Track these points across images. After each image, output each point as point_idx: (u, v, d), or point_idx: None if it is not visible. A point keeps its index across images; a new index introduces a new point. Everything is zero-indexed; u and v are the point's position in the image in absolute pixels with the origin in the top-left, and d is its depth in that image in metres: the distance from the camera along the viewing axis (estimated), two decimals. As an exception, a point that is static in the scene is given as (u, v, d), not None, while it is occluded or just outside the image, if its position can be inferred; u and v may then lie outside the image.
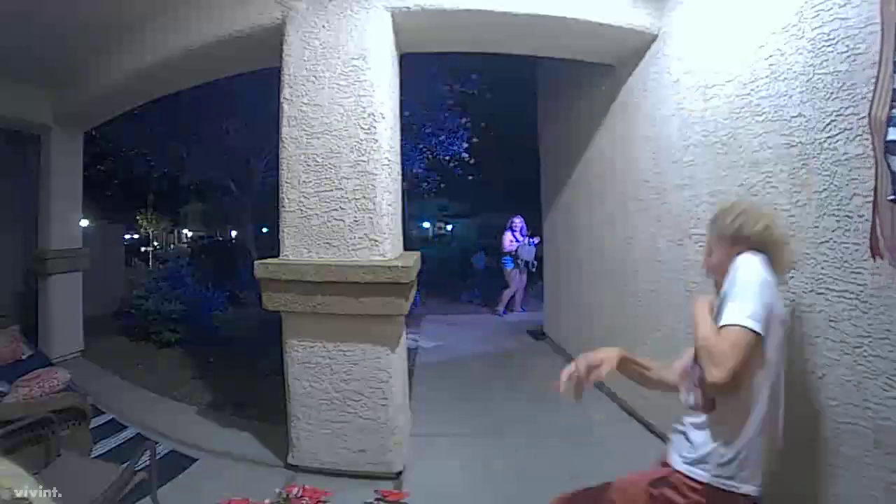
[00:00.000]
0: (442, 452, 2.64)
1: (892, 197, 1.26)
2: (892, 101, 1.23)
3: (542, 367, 4.20)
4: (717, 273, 1.34)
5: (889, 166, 1.24)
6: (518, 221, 6.48)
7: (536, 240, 6.23)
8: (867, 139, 1.41)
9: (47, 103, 4.37)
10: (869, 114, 1.32)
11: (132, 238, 17.50)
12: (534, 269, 6.43)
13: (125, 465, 1.75)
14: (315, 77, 2.48)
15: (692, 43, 2.47)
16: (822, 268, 1.74)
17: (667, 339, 2.67)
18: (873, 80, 1.34)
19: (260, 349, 4.39)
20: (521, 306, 6.80)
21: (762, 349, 1.17)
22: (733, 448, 1.18)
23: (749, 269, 1.20)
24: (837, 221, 1.68)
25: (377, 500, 1.31)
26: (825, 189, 1.72)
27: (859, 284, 1.61)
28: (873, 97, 1.29)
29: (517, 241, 6.42)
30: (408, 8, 2.49)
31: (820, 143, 1.74)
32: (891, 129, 1.24)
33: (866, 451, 1.60)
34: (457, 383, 3.82)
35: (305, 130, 2.47)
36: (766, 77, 1.98)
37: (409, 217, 11.86)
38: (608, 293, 3.41)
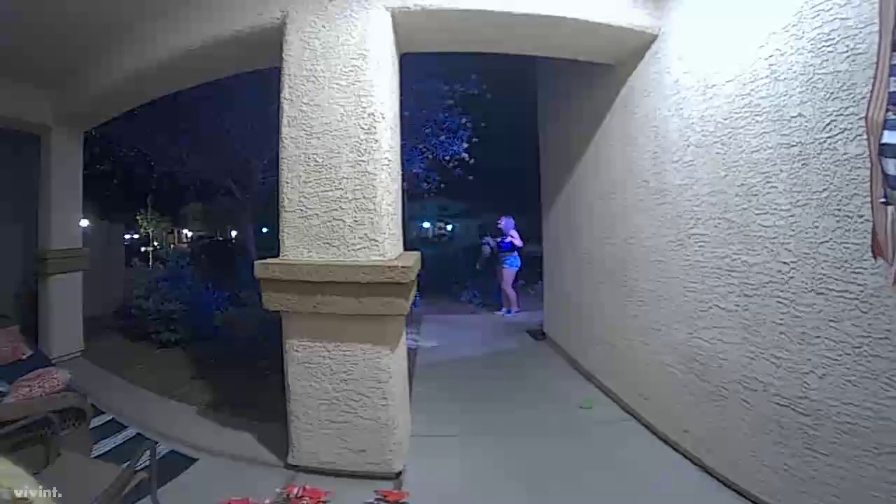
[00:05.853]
0: (442, 452, 2.64)
1: (883, 200, 1.26)
2: (889, 103, 1.23)
3: (542, 368, 4.21)
4: None
5: (883, 168, 1.25)
6: (500, 222, 6.76)
7: (506, 240, 6.60)
8: (867, 139, 1.41)
9: (47, 103, 4.37)
10: (866, 116, 1.32)
11: (132, 238, 17.49)
12: (481, 267, 7.37)
13: (125, 465, 1.75)
14: (315, 77, 2.48)
15: (692, 43, 2.47)
16: (822, 268, 1.74)
17: (667, 340, 2.67)
18: (872, 81, 1.34)
19: (260, 349, 4.39)
20: (517, 306, 6.73)
21: None
22: None
23: None
24: (837, 221, 1.68)
25: (377, 500, 1.31)
26: (825, 189, 1.72)
27: (859, 284, 1.62)
28: (870, 99, 1.29)
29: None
30: (408, 8, 2.49)
31: (820, 143, 1.74)
32: (886, 132, 1.24)
33: (866, 450, 1.60)
34: (457, 383, 3.81)
35: (305, 130, 2.47)
36: (766, 77, 1.98)
37: (409, 217, 11.86)
38: (608, 293, 3.41)
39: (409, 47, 2.90)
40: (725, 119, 2.21)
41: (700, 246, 2.39)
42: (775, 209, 1.94)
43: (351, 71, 2.44)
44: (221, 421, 3.13)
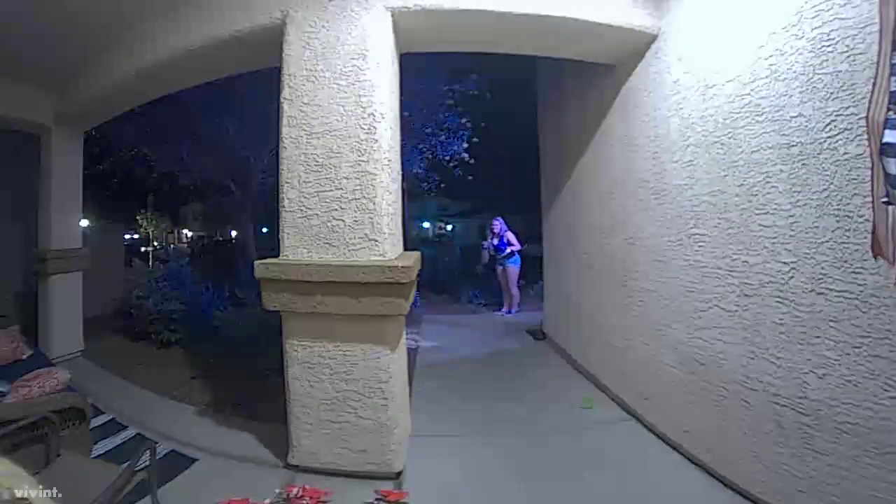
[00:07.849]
0: (442, 452, 2.64)
1: (885, 199, 1.27)
2: (890, 103, 1.24)
3: (542, 367, 4.20)
4: None
5: (884, 168, 1.25)
6: (494, 225, 6.77)
7: (501, 242, 6.60)
8: (867, 139, 1.41)
9: (47, 103, 4.37)
10: (866, 115, 1.32)
11: (132, 238, 17.46)
12: (482, 269, 7.41)
13: (125, 465, 1.75)
14: (315, 77, 2.48)
15: (692, 43, 2.47)
16: (822, 268, 1.74)
17: (667, 340, 2.67)
18: (872, 81, 1.34)
19: (260, 349, 4.39)
20: (517, 306, 6.70)
21: None
22: None
23: None
24: (837, 221, 1.68)
25: (377, 500, 1.31)
26: (825, 189, 1.72)
27: (859, 284, 1.61)
28: (870, 99, 1.29)
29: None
30: (408, 8, 2.49)
31: (820, 143, 1.74)
32: (887, 132, 1.24)
33: (866, 450, 1.60)
34: (457, 383, 3.81)
35: (305, 130, 2.47)
36: (766, 77, 1.98)
37: (409, 217, 11.87)
38: (608, 293, 3.41)
39: (409, 47, 2.90)
40: (725, 119, 2.21)
41: (700, 246, 2.40)
42: (775, 209, 1.94)
43: (351, 71, 2.44)
44: (221, 421, 3.14)
